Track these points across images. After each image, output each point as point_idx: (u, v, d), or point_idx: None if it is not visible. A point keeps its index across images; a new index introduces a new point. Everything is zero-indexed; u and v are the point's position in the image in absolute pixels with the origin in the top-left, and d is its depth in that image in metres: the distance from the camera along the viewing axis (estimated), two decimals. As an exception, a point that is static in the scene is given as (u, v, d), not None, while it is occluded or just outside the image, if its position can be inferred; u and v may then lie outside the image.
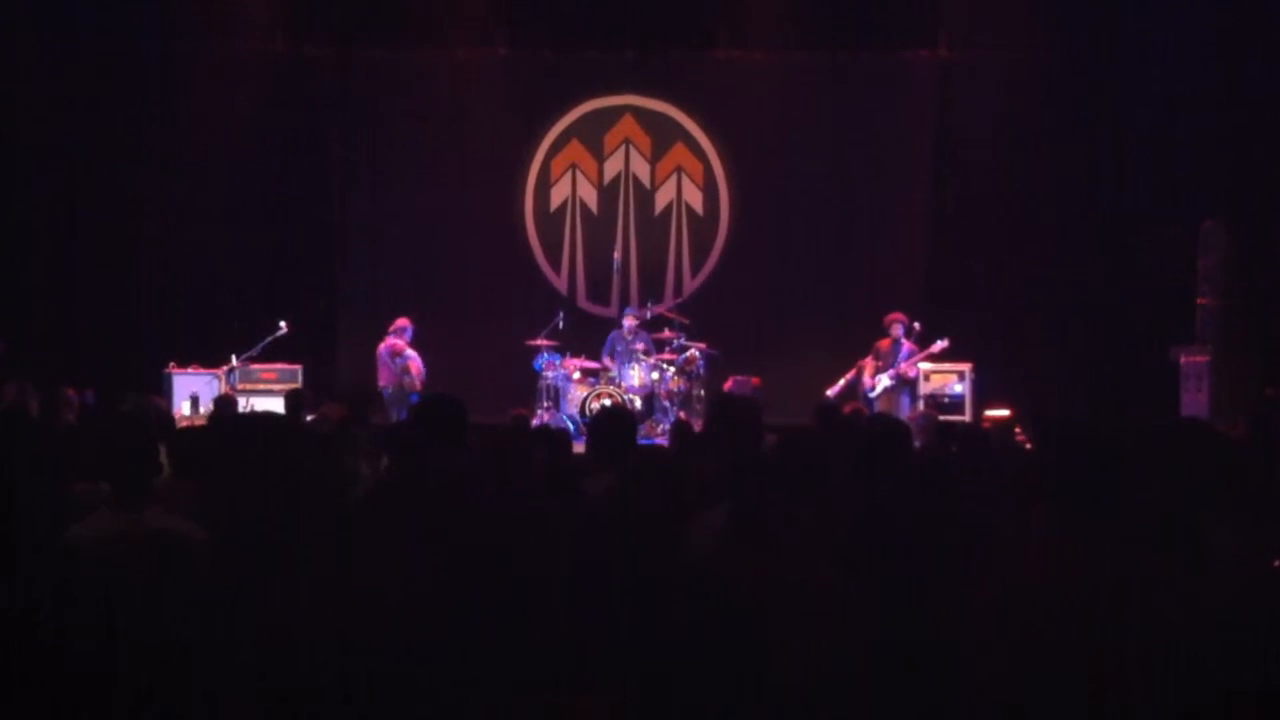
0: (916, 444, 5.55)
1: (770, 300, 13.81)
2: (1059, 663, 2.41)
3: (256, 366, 12.28)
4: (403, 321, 12.35)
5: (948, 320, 12.39)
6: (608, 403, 11.96)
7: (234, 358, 12.17)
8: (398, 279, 13.88)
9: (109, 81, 13.00)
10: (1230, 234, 11.31)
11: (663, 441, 10.70)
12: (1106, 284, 13.01)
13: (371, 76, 13.87)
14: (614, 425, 4.84)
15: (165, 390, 11.77)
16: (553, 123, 14.12)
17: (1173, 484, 2.49)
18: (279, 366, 12.26)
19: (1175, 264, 11.95)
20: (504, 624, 2.80)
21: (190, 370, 12.17)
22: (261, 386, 12.14)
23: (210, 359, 12.23)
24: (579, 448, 6.00)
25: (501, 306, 13.67)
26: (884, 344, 12.23)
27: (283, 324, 12.21)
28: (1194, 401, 11.14)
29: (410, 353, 12.23)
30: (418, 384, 12.12)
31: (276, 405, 10.79)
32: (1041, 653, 2.42)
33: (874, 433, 4.46)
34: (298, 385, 11.97)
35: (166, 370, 12.13)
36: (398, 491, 3.90)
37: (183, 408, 11.61)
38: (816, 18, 13.41)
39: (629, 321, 12.90)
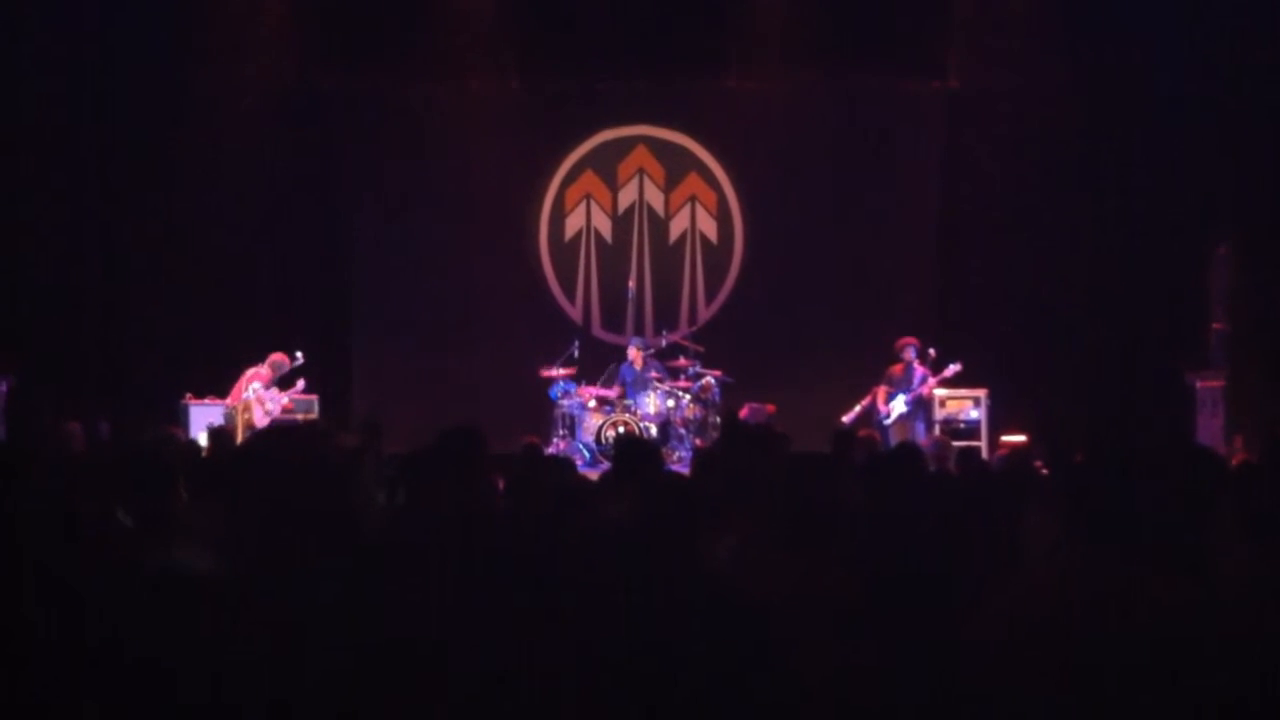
0: (932, 470, 5.56)
1: (785, 327, 13.79)
2: (1068, 682, 2.42)
3: (273, 397, 12.30)
4: (275, 356, 11.95)
5: (962, 346, 12.39)
6: (626, 431, 11.96)
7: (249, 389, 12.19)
8: (413, 309, 13.94)
9: (118, 113, 13.05)
10: (1244, 258, 11.30)
11: (680, 469, 10.70)
12: (1121, 309, 13.00)
13: (384, 108, 13.96)
14: (638, 452, 4.86)
15: (182, 421, 11.81)
16: (567, 153, 14.20)
17: (1183, 505, 2.50)
18: (295, 397, 12.28)
19: (1189, 289, 11.94)
20: (523, 650, 2.82)
21: (207, 401, 12.20)
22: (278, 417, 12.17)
23: (227, 390, 12.26)
24: (592, 475, 6.02)
25: (516, 336, 13.67)
26: (896, 369, 12.18)
27: (299, 354, 12.24)
28: (1209, 426, 11.11)
29: (254, 387, 11.76)
30: (231, 406, 11.71)
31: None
32: (1051, 671, 2.43)
33: (887, 457, 4.48)
34: (314, 415, 12.03)
35: (183, 401, 12.17)
36: (415, 522, 3.93)
37: (199, 439, 11.61)
38: (827, 48, 13.43)
39: (633, 353, 12.95)
